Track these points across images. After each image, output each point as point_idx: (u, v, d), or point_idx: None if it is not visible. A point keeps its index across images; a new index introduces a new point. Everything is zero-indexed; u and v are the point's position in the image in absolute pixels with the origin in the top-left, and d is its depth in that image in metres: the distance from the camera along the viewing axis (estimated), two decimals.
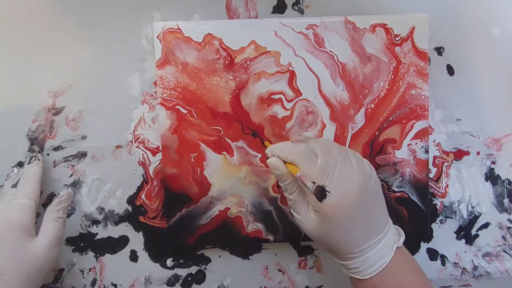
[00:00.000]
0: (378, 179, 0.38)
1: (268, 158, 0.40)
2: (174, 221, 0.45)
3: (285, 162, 0.38)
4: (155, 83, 0.45)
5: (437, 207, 0.48)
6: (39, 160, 0.43)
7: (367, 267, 0.37)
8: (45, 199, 0.45)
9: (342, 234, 0.36)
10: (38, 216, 0.42)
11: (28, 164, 0.43)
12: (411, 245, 0.48)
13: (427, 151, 0.46)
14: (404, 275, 0.37)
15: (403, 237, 0.38)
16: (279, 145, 0.40)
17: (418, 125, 0.45)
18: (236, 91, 0.44)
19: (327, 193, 0.35)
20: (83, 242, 0.46)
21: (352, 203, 0.36)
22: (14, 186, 0.41)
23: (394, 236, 0.38)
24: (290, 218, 0.45)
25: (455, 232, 0.48)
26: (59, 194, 0.41)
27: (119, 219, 0.46)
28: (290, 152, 0.38)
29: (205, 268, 0.47)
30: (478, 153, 0.47)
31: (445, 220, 0.48)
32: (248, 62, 0.44)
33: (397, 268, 0.37)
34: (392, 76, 0.45)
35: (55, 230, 0.40)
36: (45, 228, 0.40)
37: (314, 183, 0.35)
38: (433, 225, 0.48)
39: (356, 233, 0.36)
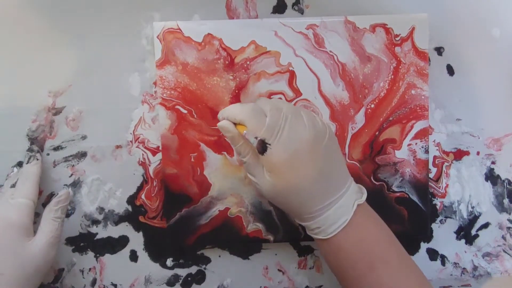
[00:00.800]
0: (334, 137, 0.38)
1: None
2: (174, 221, 0.45)
3: (235, 124, 0.38)
4: (155, 83, 0.45)
5: (437, 207, 0.48)
6: (37, 159, 0.43)
7: (328, 226, 0.37)
8: (45, 199, 0.45)
9: (296, 192, 0.36)
10: (38, 216, 0.41)
11: (26, 163, 0.43)
12: (411, 245, 0.48)
13: (427, 151, 0.46)
14: (368, 232, 0.38)
15: (365, 195, 0.38)
16: (229, 107, 0.40)
17: (418, 125, 0.45)
18: (236, 91, 0.44)
19: (267, 145, 0.35)
20: (83, 242, 0.46)
21: (303, 159, 0.36)
22: (13, 186, 0.41)
23: (355, 194, 0.38)
24: (291, 218, 0.45)
25: (455, 232, 0.48)
26: (57, 193, 0.41)
27: (119, 219, 0.46)
28: (238, 113, 0.38)
29: (205, 268, 0.47)
30: (478, 153, 0.47)
31: (445, 220, 0.48)
32: (248, 62, 0.44)
33: (359, 226, 0.37)
34: (392, 76, 0.45)
35: (53, 229, 0.40)
36: (43, 227, 0.40)
37: (256, 138, 0.35)
38: (433, 225, 0.48)
39: (312, 191, 0.36)
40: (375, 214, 0.39)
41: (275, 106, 0.37)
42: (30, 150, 0.44)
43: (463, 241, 0.48)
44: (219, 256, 0.47)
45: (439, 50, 0.46)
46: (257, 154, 0.37)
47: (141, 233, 0.46)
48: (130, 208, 0.46)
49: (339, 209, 0.37)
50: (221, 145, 0.44)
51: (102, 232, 0.46)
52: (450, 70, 0.46)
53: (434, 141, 0.47)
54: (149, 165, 0.45)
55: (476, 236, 0.48)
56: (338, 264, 0.38)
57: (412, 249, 0.48)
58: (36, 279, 0.39)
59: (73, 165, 0.45)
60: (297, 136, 0.36)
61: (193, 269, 0.47)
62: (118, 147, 0.45)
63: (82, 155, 0.45)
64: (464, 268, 0.48)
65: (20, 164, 0.44)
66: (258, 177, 0.38)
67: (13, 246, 0.38)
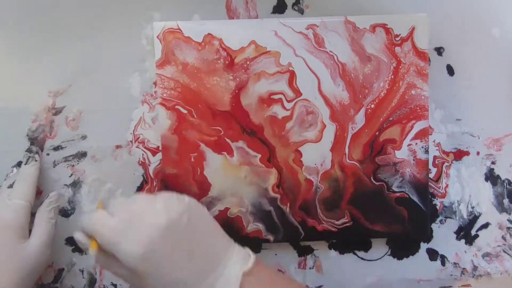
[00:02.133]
0: (200, 215, 0.35)
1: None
2: None
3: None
4: (155, 83, 0.45)
5: (437, 207, 0.48)
6: (36, 160, 0.43)
7: None
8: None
9: (166, 282, 0.33)
10: (35, 215, 0.42)
11: (25, 164, 0.43)
12: (411, 245, 0.48)
13: (427, 151, 0.45)
14: None
15: (252, 259, 0.35)
16: (87, 217, 0.35)
17: (418, 125, 0.45)
18: (236, 91, 0.44)
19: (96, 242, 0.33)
20: None
21: (157, 249, 0.32)
22: (10, 186, 0.41)
23: (240, 263, 0.35)
24: (291, 218, 0.45)
25: (455, 232, 0.48)
26: (48, 195, 0.42)
27: None
28: (87, 224, 0.34)
29: None
30: (478, 153, 0.47)
31: (445, 220, 0.48)
32: (248, 62, 0.44)
33: None
34: (392, 76, 0.45)
35: (47, 231, 0.40)
36: (37, 229, 0.40)
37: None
38: (433, 225, 0.48)
39: (182, 275, 0.33)
40: (272, 272, 0.36)
41: (122, 205, 0.34)
42: (29, 150, 0.44)
43: (463, 241, 0.48)
44: None
45: (439, 50, 0.46)
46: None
47: None
48: None
49: (223, 284, 0.33)
50: (221, 145, 0.44)
51: None
52: (450, 70, 0.46)
53: (434, 141, 0.47)
54: (149, 165, 0.45)
55: (476, 236, 0.48)
56: None
57: (412, 249, 0.48)
58: (30, 280, 0.39)
59: (73, 165, 0.45)
60: (148, 225, 0.33)
61: None
62: (118, 147, 0.45)
63: (82, 155, 0.45)
64: (464, 268, 0.48)
65: (19, 165, 0.44)
66: (126, 276, 0.35)
67: (8, 247, 0.38)
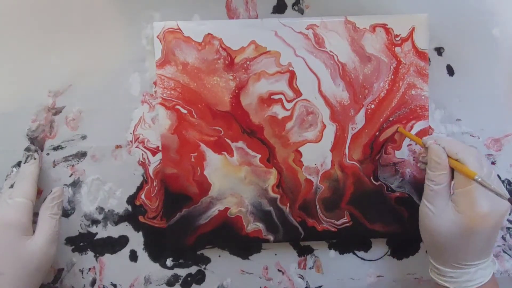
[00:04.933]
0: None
1: (423, 144, 0.41)
2: (174, 221, 0.45)
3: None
4: (155, 83, 0.45)
5: None
6: (35, 159, 0.43)
7: (464, 280, 0.39)
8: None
9: (468, 245, 0.38)
10: (37, 215, 0.41)
11: (24, 163, 0.43)
12: (411, 245, 0.48)
13: None
14: None
15: (496, 266, 0.41)
16: (447, 138, 0.43)
17: (418, 126, 0.45)
18: (236, 91, 0.44)
19: None
20: (82, 242, 0.46)
21: (497, 222, 0.38)
22: (12, 186, 0.41)
23: (492, 264, 0.40)
24: (290, 218, 0.45)
25: None
26: (51, 191, 0.41)
27: (118, 219, 0.46)
28: (461, 150, 0.39)
29: (205, 268, 0.47)
30: None
31: None
32: (248, 62, 0.44)
33: None
34: (392, 76, 0.45)
35: (51, 227, 0.40)
36: (41, 226, 0.40)
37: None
38: None
39: (477, 248, 0.38)
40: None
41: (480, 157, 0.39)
42: (27, 149, 0.44)
43: None
44: (219, 256, 0.47)
45: (439, 50, 0.46)
46: (449, 188, 0.39)
47: (141, 233, 0.46)
48: (130, 208, 0.46)
49: (480, 270, 0.39)
50: (221, 145, 0.44)
51: (102, 232, 0.46)
52: (450, 70, 0.46)
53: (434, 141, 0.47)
54: (149, 165, 0.45)
55: None
56: None
57: (412, 249, 0.48)
58: (37, 278, 0.39)
59: (73, 165, 0.45)
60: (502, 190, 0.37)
61: (193, 269, 0.47)
62: (118, 147, 0.45)
63: (82, 155, 0.45)
64: None
65: (19, 164, 0.44)
66: (438, 208, 0.39)
67: (12, 246, 0.38)
